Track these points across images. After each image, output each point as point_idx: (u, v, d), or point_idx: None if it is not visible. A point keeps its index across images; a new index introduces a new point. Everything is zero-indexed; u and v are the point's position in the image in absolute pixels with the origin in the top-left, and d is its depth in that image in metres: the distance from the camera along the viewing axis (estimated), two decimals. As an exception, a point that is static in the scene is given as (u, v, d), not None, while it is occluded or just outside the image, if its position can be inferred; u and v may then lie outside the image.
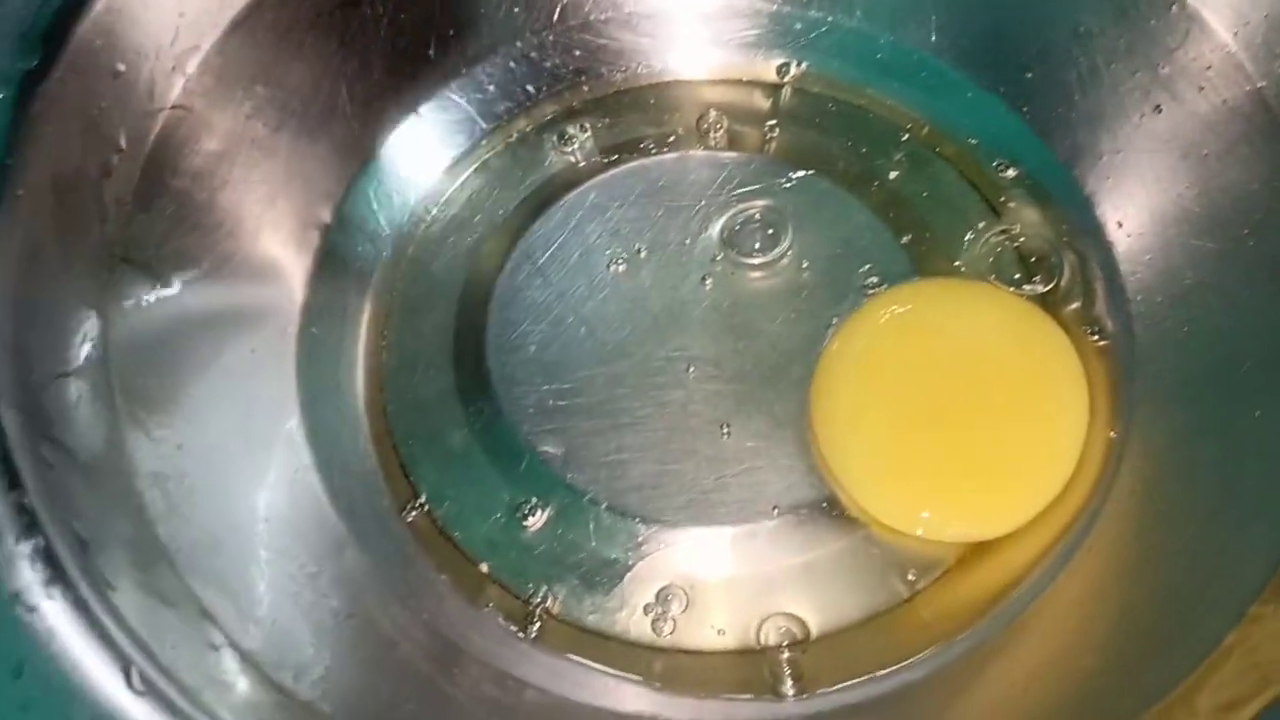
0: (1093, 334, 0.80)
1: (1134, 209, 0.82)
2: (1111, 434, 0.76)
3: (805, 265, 0.84)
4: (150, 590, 0.61)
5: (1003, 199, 0.87)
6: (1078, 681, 0.67)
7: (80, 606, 0.56)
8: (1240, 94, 0.75)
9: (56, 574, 0.57)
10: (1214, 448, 0.71)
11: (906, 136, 0.89)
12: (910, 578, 0.76)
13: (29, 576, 0.56)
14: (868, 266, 0.84)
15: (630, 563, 0.77)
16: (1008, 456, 0.75)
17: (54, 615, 0.55)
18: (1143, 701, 0.61)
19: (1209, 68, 0.76)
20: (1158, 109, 0.80)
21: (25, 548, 0.56)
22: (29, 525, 0.58)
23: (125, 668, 0.54)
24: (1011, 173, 0.87)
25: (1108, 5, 0.80)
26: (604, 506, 0.78)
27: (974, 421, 0.76)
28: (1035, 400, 0.77)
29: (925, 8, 0.88)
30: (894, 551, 0.77)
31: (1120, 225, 0.81)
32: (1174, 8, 0.77)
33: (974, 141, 0.88)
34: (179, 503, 0.68)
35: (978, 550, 0.76)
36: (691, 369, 0.81)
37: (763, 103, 0.94)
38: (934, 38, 0.89)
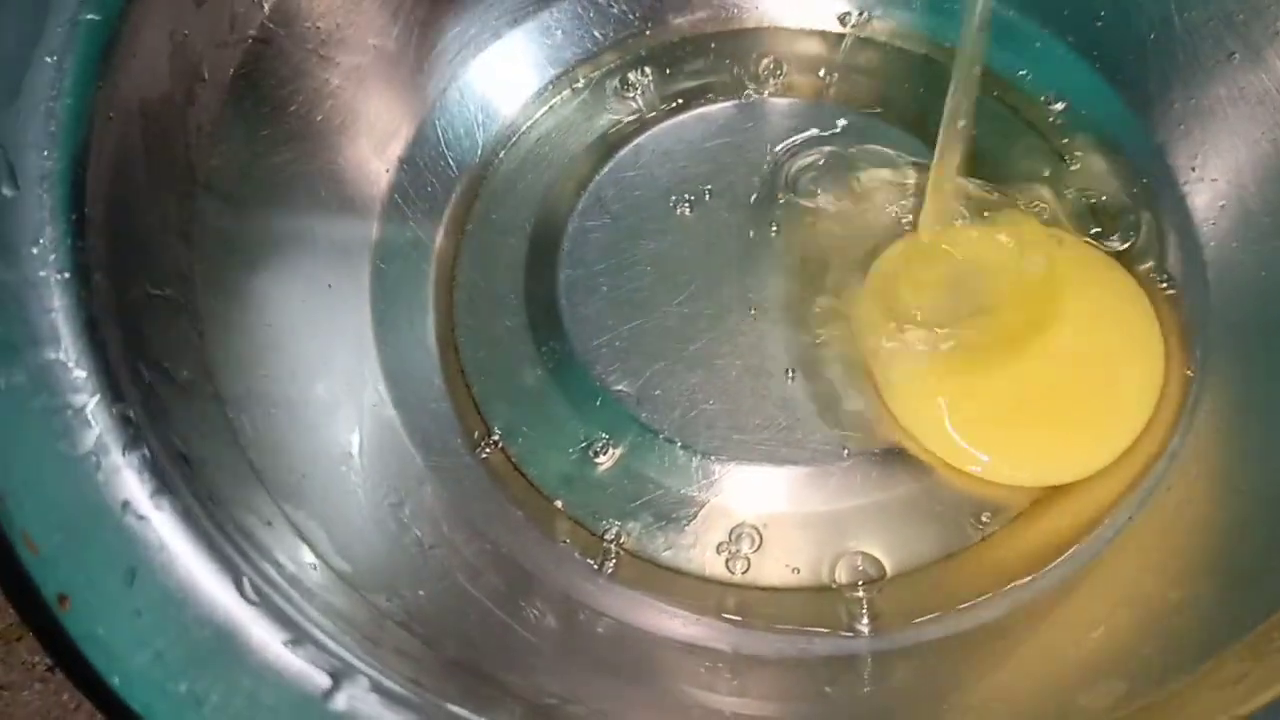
0: (1163, 283, 0.80)
1: (1207, 157, 0.81)
2: (1188, 372, 0.75)
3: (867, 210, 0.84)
4: (249, 509, 0.61)
5: (1071, 148, 0.86)
6: (1160, 616, 0.67)
7: (188, 516, 0.56)
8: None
9: (163, 485, 0.56)
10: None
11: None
12: (984, 520, 0.76)
13: (136, 486, 0.55)
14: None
15: (703, 500, 0.77)
16: (1078, 403, 0.75)
17: (163, 524, 0.55)
18: (1228, 635, 0.61)
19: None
20: (1232, 56, 0.79)
21: (132, 459, 0.56)
22: (134, 437, 0.57)
23: (236, 577, 0.54)
24: (1079, 120, 0.86)
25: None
26: (677, 445, 0.78)
27: (1043, 366, 0.76)
28: (1108, 346, 0.77)
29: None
30: (966, 494, 0.77)
31: (1194, 171, 0.81)
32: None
33: (1041, 89, 0.88)
34: (266, 430, 0.68)
35: (1052, 492, 0.76)
36: (756, 312, 0.81)
37: (825, 50, 0.93)
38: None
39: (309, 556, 0.63)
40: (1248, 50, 0.79)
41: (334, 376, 0.76)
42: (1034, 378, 0.76)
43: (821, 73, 0.92)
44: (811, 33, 0.94)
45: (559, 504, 0.77)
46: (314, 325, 0.77)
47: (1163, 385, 0.75)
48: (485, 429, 0.79)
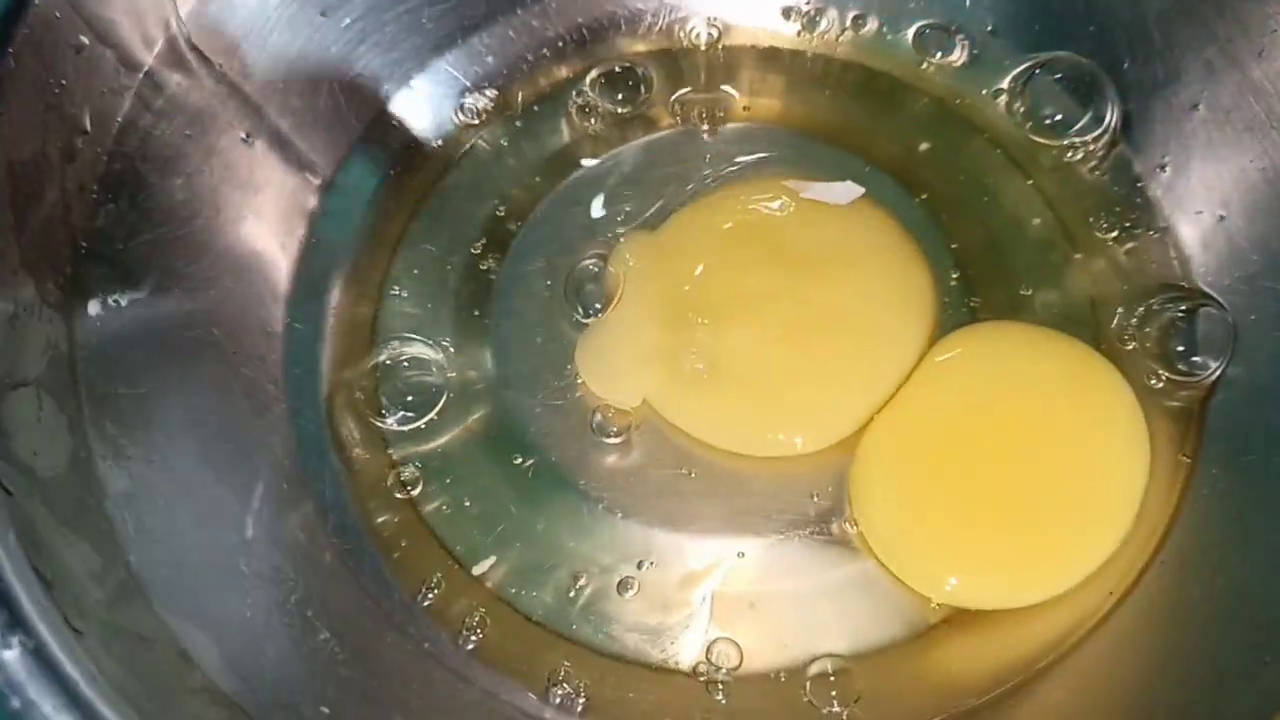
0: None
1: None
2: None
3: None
4: (120, 630, 0.55)
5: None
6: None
7: (41, 656, 0.49)
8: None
9: (15, 619, 0.49)
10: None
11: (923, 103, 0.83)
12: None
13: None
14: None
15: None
16: (1047, 523, 0.69)
17: (14, 666, 0.48)
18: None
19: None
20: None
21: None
22: (-18, 560, 0.50)
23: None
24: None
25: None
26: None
27: (1015, 481, 0.69)
28: (1086, 462, 0.70)
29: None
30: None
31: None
32: None
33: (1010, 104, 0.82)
34: (152, 526, 0.62)
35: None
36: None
37: (770, 68, 0.87)
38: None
39: (194, 678, 0.56)
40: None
41: (237, 455, 0.70)
42: (1001, 493, 0.69)
43: (771, 94, 0.84)
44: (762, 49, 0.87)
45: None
46: (215, 399, 0.71)
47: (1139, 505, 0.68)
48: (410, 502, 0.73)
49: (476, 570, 0.70)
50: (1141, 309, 0.74)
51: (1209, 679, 0.59)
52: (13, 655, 0.50)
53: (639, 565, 0.70)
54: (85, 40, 0.67)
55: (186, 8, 0.72)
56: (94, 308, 0.66)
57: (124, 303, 0.68)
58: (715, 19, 0.86)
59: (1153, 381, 0.72)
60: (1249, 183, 0.73)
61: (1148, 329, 0.74)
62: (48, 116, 0.65)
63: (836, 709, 0.66)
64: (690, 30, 0.86)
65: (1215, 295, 0.73)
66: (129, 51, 0.70)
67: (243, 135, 0.76)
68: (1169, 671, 0.62)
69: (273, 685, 0.60)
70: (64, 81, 0.66)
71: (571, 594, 0.70)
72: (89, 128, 0.67)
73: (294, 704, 0.59)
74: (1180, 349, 0.73)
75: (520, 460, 0.73)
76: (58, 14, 0.65)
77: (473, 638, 0.69)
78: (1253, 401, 0.69)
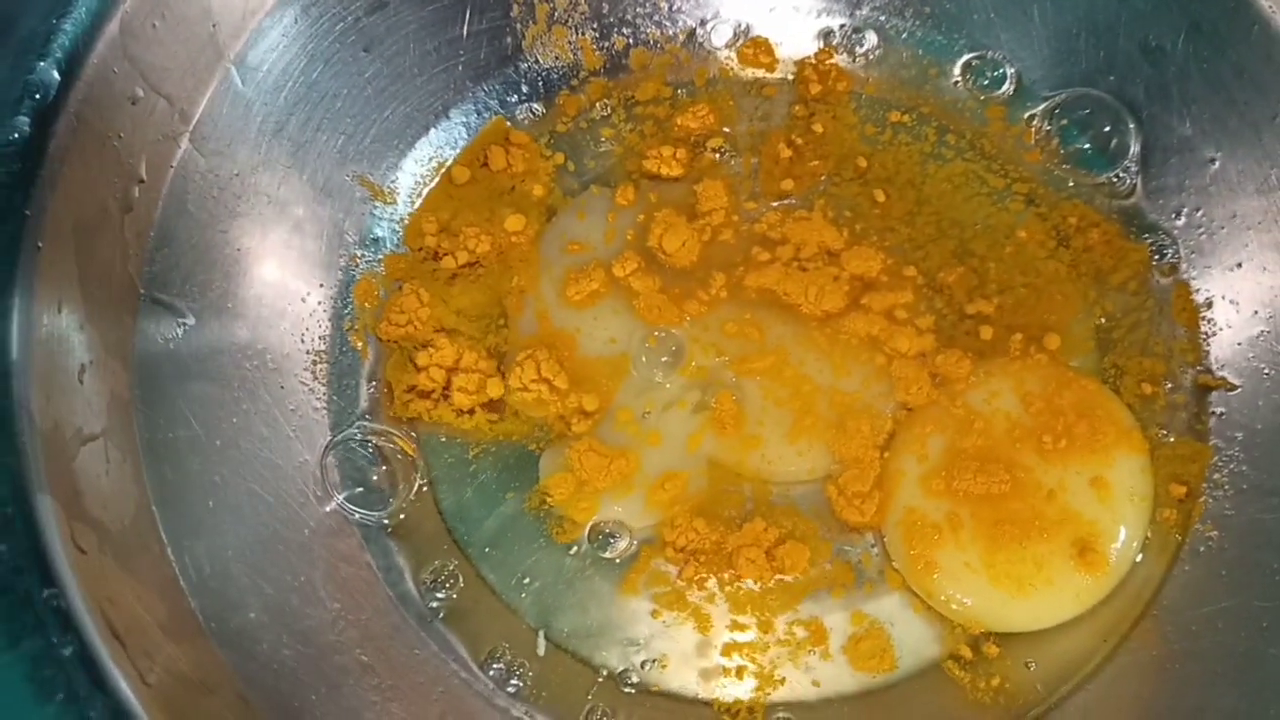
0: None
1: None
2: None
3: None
4: (186, 680, 0.59)
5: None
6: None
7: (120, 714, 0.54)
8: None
9: (97, 680, 0.54)
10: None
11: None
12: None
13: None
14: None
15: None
16: (1055, 555, 0.73)
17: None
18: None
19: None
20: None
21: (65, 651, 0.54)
22: (64, 626, 0.55)
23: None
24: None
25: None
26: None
27: (1029, 516, 0.73)
28: (1094, 502, 0.74)
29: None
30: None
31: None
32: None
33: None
34: (211, 571, 0.66)
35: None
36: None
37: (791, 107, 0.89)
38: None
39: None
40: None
41: (289, 491, 0.73)
42: (1010, 525, 0.73)
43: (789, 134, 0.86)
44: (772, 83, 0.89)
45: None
46: (267, 435, 0.74)
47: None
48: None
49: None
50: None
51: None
52: (96, 716, 0.54)
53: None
54: (140, 91, 0.69)
55: (236, 50, 0.74)
56: (153, 353, 0.70)
57: (179, 346, 0.71)
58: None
59: (1163, 434, 0.75)
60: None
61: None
62: (107, 170, 0.68)
63: None
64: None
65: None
66: (182, 97, 0.72)
67: (289, 172, 0.78)
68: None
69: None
70: (121, 134, 0.69)
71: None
72: (145, 176, 0.70)
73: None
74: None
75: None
76: (115, 69, 0.68)
77: (514, 680, 0.73)
78: (1249, 462, 0.72)
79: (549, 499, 0.76)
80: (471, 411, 0.79)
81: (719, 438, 0.77)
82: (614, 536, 0.76)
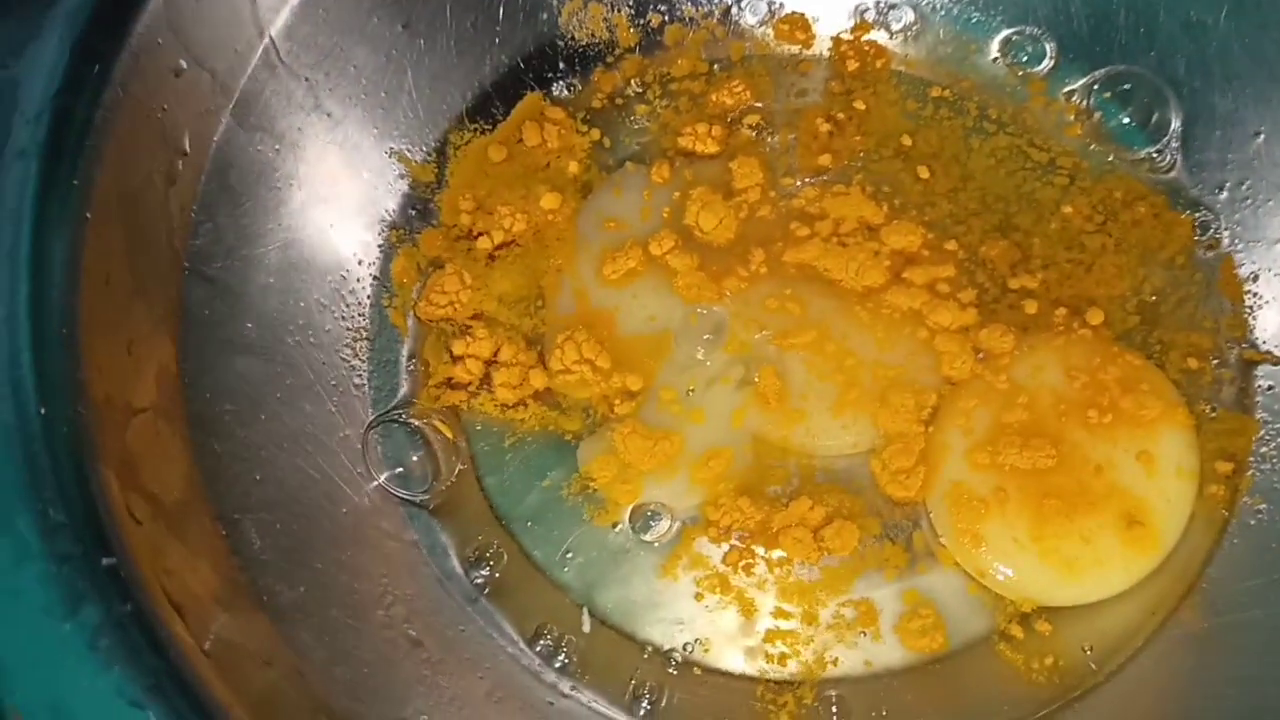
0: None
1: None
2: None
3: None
4: (243, 651, 0.59)
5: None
6: None
7: (180, 680, 0.53)
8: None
9: (158, 650, 0.53)
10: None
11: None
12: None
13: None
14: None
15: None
16: (1103, 530, 0.72)
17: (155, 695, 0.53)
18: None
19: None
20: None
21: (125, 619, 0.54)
22: (124, 595, 0.54)
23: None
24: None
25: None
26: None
27: (1076, 491, 0.73)
28: (1141, 477, 0.74)
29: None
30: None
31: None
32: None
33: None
34: (263, 544, 0.66)
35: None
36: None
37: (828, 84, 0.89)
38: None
39: (312, 699, 0.61)
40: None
41: (335, 465, 0.73)
42: (1069, 499, 0.73)
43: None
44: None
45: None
46: (311, 410, 0.74)
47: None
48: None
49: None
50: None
51: (1238, 710, 0.63)
52: (157, 683, 0.53)
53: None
54: (184, 64, 0.69)
55: (277, 25, 0.74)
56: (197, 326, 0.69)
57: (224, 320, 0.71)
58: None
59: (1209, 409, 0.75)
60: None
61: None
62: (152, 142, 0.67)
63: None
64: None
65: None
66: (224, 71, 0.72)
67: (328, 147, 0.77)
68: (1202, 700, 0.66)
69: (380, 701, 0.64)
70: (165, 106, 0.68)
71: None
72: (188, 149, 0.70)
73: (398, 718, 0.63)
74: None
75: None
76: (159, 40, 0.67)
77: (560, 656, 0.73)
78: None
79: (592, 483, 0.76)
80: (520, 405, 0.78)
81: (763, 413, 0.77)
82: (656, 518, 0.76)
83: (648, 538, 0.75)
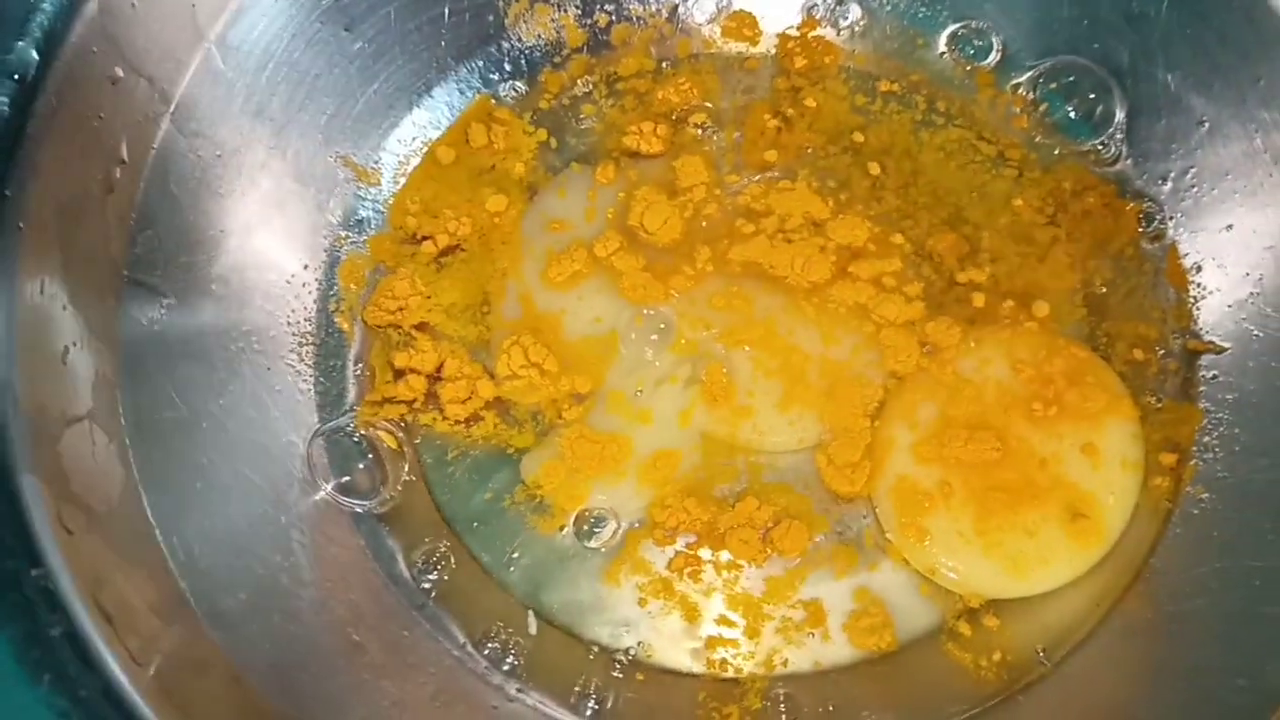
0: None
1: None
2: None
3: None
4: (178, 659, 0.59)
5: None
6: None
7: (112, 695, 0.53)
8: None
9: (87, 661, 0.53)
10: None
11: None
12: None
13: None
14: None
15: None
16: (1043, 524, 0.73)
17: (90, 706, 0.53)
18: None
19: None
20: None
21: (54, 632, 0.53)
22: (52, 606, 0.54)
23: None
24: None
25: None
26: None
27: (1020, 483, 0.73)
28: (1086, 468, 0.74)
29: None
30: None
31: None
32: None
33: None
34: (200, 551, 0.65)
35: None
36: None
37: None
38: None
39: (248, 702, 0.61)
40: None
41: (276, 470, 0.73)
42: (1012, 491, 0.73)
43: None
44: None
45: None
46: (253, 415, 0.73)
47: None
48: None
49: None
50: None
51: (1184, 698, 0.63)
52: (87, 695, 0.53)
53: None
54: (120, 72, 0.69)
55: (215, 31, 0.74)
56: (138, 335, 0.69)
57: (164, 327, 0.71)
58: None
59: (1155, 400, 0.75)
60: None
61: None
62: (88, 151, 0.67)
63: None
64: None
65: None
66: (163, 78, 0.71)
67: (272, 153, 0.77)
68: (1149, 689, 0.66)
69: (319, 704, 0.64)
70: (102, 114, 0.68)
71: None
72: (126, 157, 0.69)
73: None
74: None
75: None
76: (94, 49, 0.67)
77: (509, 659, 0.73)
78: (1240, 424, 0.72)
79: (539, 491, 0.76)
80: (473, 419, 0.78)
81: (710, 410, 0.77)
82: (601, 523, 0.75)
83: (592, 544, 0.75)
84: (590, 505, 0.76)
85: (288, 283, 0.79)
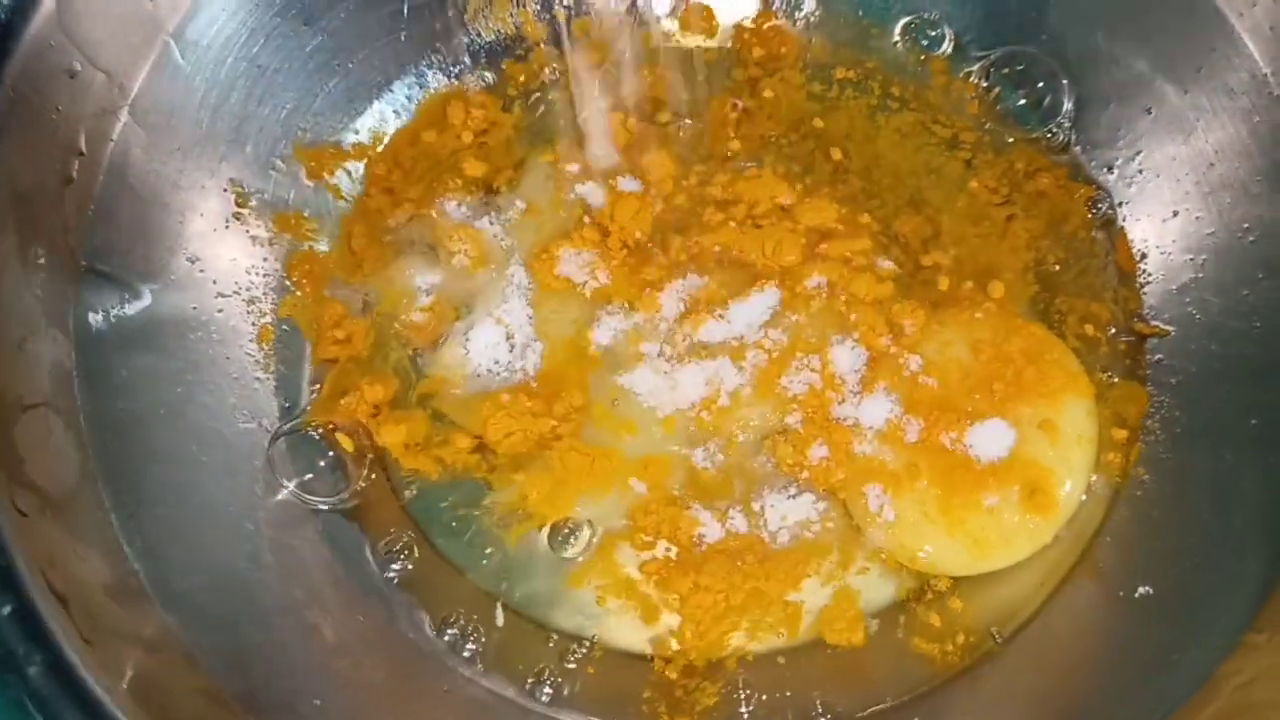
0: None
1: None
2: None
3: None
4: (129, 638, 0.60)
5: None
6: (1071, 702, 0.67)
7: (60, 671, 0.54)
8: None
9: (36, 637, 0.54)
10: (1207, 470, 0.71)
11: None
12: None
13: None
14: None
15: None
16: (1003, 500, 0.74)
17: (38, 682, 0.53)
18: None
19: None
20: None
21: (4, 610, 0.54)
22: (3, 585, 0.55)
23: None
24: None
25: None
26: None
27: (976, 464, 0.74)
28: (1042, 448, 0.74)
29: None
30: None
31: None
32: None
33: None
34: (156, 535, 0.66)
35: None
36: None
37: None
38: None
39: (201, 681, 0.62)
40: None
41: (236, 460, 0.74)
42: (970, 471, 0.74)
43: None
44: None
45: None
46: (212, 406, 0.74)
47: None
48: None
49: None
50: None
51: (1125, 676, 0.64)
52: (35, 672, 0.54)
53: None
54: (78, 65, 0.70)
55: (173, 25, 0.74)
56: (96, 325, 0.70)
57: (123, 318, 0.72)
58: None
59: (1108, 376, 0.77)
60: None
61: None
62: (46, 143, 0.68)
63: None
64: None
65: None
66: (121, 71, 0.72)
67: (232, 146, 0.78)
68: (1094, 665, 0.67)
69: (272, 683, 0.65)
70: (59, 107, 0.69)
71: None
72: (84, 149, 0.70)
73: (290, 701, 0.64)
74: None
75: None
76: (51, 42, 0.68)
77: (469, 645, 0.74)
78: (1181, 406, 0.74)
79: (524, 503, 0.77)
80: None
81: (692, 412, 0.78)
82: (576, 532, 0.76)
83: (567, 554, 0.76)
84: (571, 515, 0.76)
85: (246, 274, 0.79)
